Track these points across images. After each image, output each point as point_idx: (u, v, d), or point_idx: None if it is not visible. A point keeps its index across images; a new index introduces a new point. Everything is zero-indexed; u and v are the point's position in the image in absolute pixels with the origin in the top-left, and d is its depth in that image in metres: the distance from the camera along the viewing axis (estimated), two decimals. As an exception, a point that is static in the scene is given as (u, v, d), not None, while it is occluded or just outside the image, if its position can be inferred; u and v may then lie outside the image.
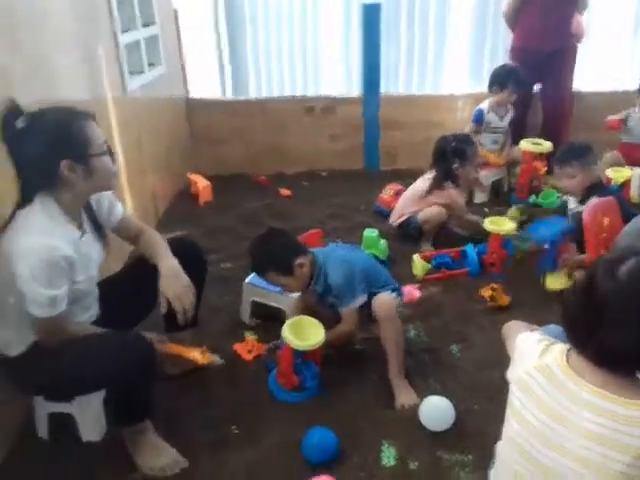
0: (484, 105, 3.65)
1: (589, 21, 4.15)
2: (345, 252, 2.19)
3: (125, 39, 2.90)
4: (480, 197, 3.60)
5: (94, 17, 2.60)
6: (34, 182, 1.51)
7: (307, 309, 2.17)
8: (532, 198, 3.45)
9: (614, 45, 4.32)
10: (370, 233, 2.89)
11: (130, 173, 2.91)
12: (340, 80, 4.34)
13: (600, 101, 3.99)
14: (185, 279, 1.73)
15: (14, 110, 1.48)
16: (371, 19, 3.83)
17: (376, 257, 2.79)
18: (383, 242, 2.92)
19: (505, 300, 2.53)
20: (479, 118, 3.63)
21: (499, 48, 4.16)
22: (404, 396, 1.95)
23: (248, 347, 2.24)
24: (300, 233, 2.96)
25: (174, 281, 1.71)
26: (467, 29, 4.23)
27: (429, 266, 2.78)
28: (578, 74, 4.19)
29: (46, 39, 2.11)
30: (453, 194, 3.01)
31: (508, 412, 1.34)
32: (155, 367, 1.64)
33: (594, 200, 2.50)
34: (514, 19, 3.77)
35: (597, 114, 3.77)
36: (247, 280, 2.42)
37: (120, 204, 1.82)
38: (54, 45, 2.17)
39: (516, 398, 1.30)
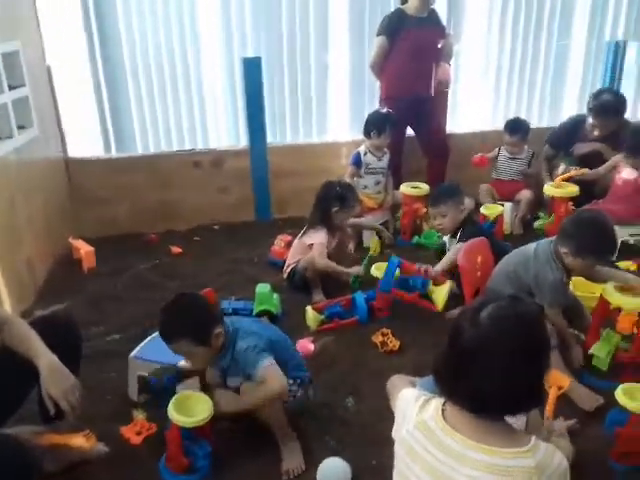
0: (361, 148, 3.80)
1: (458, 67, 4.51)
2: (256, 324, 2.11)
3: (-12, 104, 2.76)
4: (368, 241, 3.71)
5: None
6: None
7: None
8: (415, 239, 3.62)
9: (483, 89, 4.69)
10: (262, 288, 2.88)
11: (2, 245, 2.72)
12: (227, 133, 4.36)
13: (472, 140, 4.30)
14: (69, 377, 1.64)
15: None
16: (252, 72, 3.90)
17: (269, 312, 2.81)
18: (276, 296, 2.92)
19: (396, 345, 2.60)
20: (357, 160, 3.76)
21: (376, 96, 4.36)
22: (288, 461, 1.93)
23: (137, 429, 2.10)
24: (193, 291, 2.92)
25: (58, 380, 1.60)
26: (347, 78, 4.42)
27: (321, 317, 2.80)
28: (452, 117, 4.56)
29: None
30: (320, 236, 3.05)
31: (394, 473, 1.35)
32: (36, 473, 1.51)
33: (465, 244, 2.65)
34: (379, 70, 3.98)
35: (470, 153, 4.07)
36: (132, 354, 2.30)
37: None
38: None
39: (400, 459, 1.32)
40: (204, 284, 3.00)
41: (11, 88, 3.03)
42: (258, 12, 4.08)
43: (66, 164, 3.85)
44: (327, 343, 2.66)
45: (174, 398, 1.90)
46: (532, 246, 2.42)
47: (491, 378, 1.16)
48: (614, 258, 3.27)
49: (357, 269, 3.10)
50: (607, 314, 2.33)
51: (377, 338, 2.65)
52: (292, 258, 3.17)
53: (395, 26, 3.80)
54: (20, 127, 3.14)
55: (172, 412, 1.83)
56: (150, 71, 4.07)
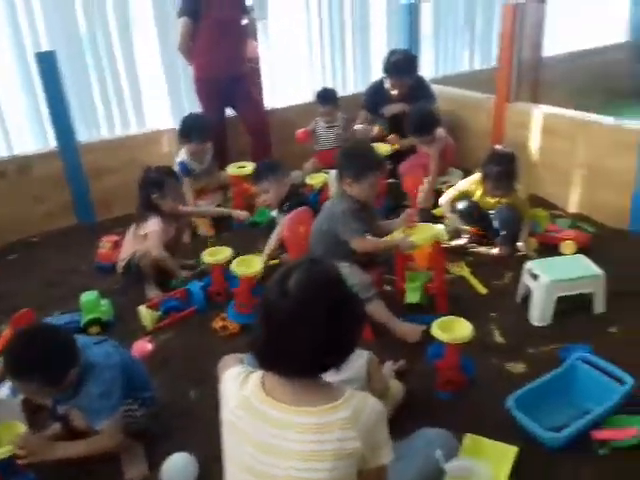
0: (182, 156, 3.70)
1: (270, 43, 4.53)
2: (107, 356, 1.86)
3: None
4: (203, 230, 3.64)
5: None
6: None
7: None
8: (250, 218, 3.63)
9: (298, 63, 4.76)
10: (88, 296, 2.70)
11: None
12: (33, 136, 3.98)
13: (291, 115, 4.37)
14: None
15: None
16: (48, 68, 3.58)
17: (99, 319, 2.65)
18: (105, 302, 2.76)
19: (236, 327, 2.60)
20: (186, 169, 3.66)
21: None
22: (129, 471, 1.88)
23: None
24: (7, 316, 2.66)
25: None
26: (158, 62, 4.24)
27: (158, 314, 2.72)
28: (271, 91, 4.59)
29: None
30: (150, 225, 2.92)
31: (225, 456, 1.34)
32: None
33: (288, 216, 2.71)
34: (188, 52, 3.88)
35: (293, 127, 4.13)
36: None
37: None
38: None
39: (227, 440, 1.31)
40: (24, 305, 2.76)
41: None
42: (47, 6, 3.73)
43: None
44: (165, 340, 2.58)
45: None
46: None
47: (303, 340, 1.20)
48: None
49: (186, 273, 3.04)
50: (406, 257, 2.59)
51: (217, 323, 2.63)
52: (125, 252, 3.01)
53: (194, 6, 3.70)
54: None
55: None
56: None
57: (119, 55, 4.07)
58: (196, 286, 2.81)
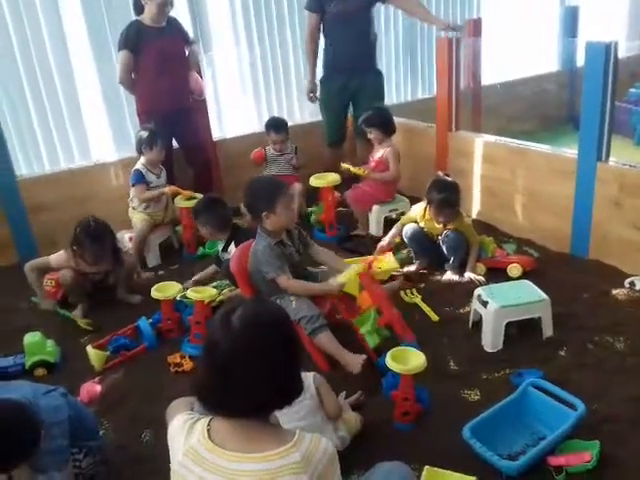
0: (139, 166, 3.63)
1: (216, 75, 4.53)
2: (51, 404, 1.76)
3: None
4: (152, 261, 3.58)
5: None
6: None
7: None
8: (200, 250, 3.59)
9: (243, 93, 4.78)
10: (31, 337, 2.59)
11: None
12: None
13: (240, 145, 4.36)
14: None
15: None
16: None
17: (45, 361, 2.54)
18: (50, 342, 2.65)
19: (190, 365, 2.53)
20: (141, 178, 3.60)
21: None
22: None
23: None
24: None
25: None
26: (99, 94, 4.16)
27: (106, 353, 2.62)
28: (219, 123, 4.58)
29: None
30: (56, 256, 3.08)
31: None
32: None
33: (236, 250, 2.69)
34: (130, 85, 3.84)
35: (241, 156, 4.13)
36: None
37: None
38: None
39: (175, 494, 1.27)
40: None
41: None
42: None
43: None
44: (112, 381, 2.49)
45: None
46: None
47: (255, 378, 1.19)
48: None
49: (46, 306, 3.10)
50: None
51: (174, 359, 2.57)
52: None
53: (134, 39, 3.66)
54: None
55: None
56: None
57: (59, 86, 3.98)
58: (145, 323, 2.74)
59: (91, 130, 4.21)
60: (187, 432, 1.26)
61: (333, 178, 3.69)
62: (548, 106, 6.09)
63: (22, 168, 3.90)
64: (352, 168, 3.65)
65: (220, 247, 3.12)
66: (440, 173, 3.30)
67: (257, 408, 1.23)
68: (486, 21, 4.61)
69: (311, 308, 2.40)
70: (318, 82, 4.22)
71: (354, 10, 3.90)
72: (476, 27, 4.45)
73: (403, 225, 3.29)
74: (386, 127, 3.69)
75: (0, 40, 3.69)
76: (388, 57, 5.40)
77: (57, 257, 3.06)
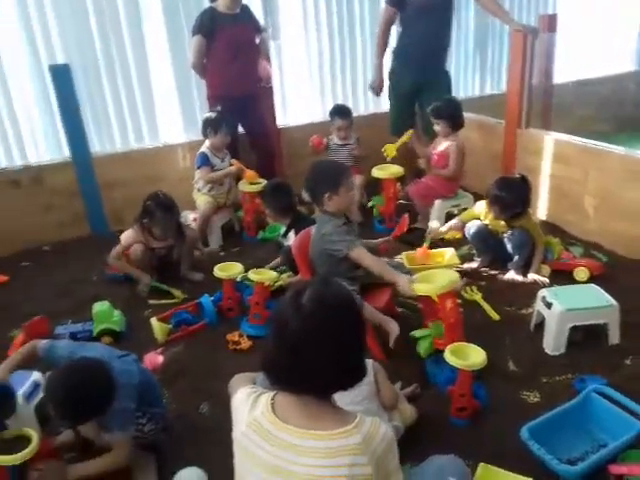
0: (204, 149, 3.72)
1: (282, 63, 4.58)
2: (124, 368, 1.87)
3: None
4: (214, 242, 3.67)
5: None
6: None
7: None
8: (260, 234, 3.64)
9: (309, 82, 4.81)
10: (100, 306, 2.72)
11: None
12: (47, 146, 4.01)
13: (302, 134, 4.38)
14: None
15: None
16: (61, 80, 3.63)
17: (111, 330, 2.66)
18: (117, 312, 2.77)
19: (247, 344, 2.60)
20: (206, 160, 3.68)
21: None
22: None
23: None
24: (23, 322, 2.69)
25: None
26: (171, 78, 4.28)
27: (169, 327, 2.72)
28: (283, 111, 4.63)
29: None
30: (125, 235, 3.17)
31: (235, 475, 1.35)
32: None
33: (296, 237, 2.70)
34: (202, 69, 3.93)
35: (304, 145, 4.16)
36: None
37: None
38: None
39: (238, 460, 1.32)
40: (36, 312, 2.80)
41: None
42: (62, 18, 3.78)
43: None
44: (173, 353, 2.58)
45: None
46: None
47: (324, 359, 1.21)
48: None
49: (147, 280, 3.12)
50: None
51: (232, 337, 2.64)
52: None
53: (208, 25, 3.75)
54: None
55: None
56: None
57: (133, 68, 4.12)
58: (207, 300, 2.82)
59: (161, 112, 4.34)
60: (251, 405, 1.30)
61: (396, 170, 3.67)
62: (625, 107, 5.83)
63: (96, 146, 4.07)
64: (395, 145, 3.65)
65: (282, 232, 3.16)
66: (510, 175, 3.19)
67: (322, 387, 1.25)
68: (562, 17, 4.46)
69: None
70: (387, 74, 4.20)
71: (438, 3, 3.84)
72: (551, 23, 4.30)
73: (463, 221, 3.24)
74: (454, 120, 3.62)
75: (81, 25, 3.84)
76: (458, 51, 5.30)
77: (126, 236, 3.17)
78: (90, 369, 1.71)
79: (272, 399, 1.29)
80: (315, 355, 1.21)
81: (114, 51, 4.01)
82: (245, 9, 3.91)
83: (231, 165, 3.77)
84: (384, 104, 4.64)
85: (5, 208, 3.64)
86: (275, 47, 4.45)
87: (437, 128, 3.66)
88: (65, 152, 3.93)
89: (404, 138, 3.74)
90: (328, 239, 2.42)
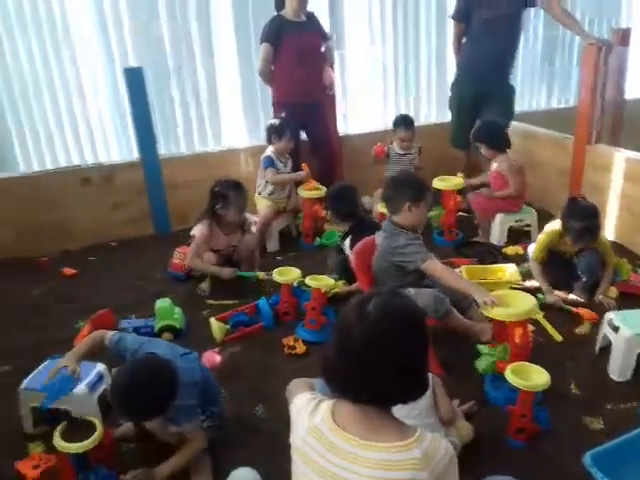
0: (268, 152, 3.79)
1: (345, 71, 4.61)
2: (187, 366, 1.91)
3: None
4: (272, 246, 3.72)
5: None
6: None
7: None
8: (317, 240, 3.67)
9: (372, 91, 4.83)
10: (162, 303, 2.80)
11: None
12: (118, 146, 4.19)
13: (364, 142, 4.40)
14: None
15: None
16: (134, 83, 3.78)
17: (172, 327, 2.74)
18: (178, 310, 2.85)
19: (303, 349, 2.62)
20: (272, 162, 3.75)
21: (270, 100, 4.37)
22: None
23: (33, 462, 1.98)
24: (89, 314, 2.80)
25: None
26: (237, 83, 4.39)
27: (227, 327, 2.77)
28: (344, 119, 4.66)
29: None
30: (198, 229, 3.16)
31: (292, 478, 1.35)
32: None
33: (357, 245, 2.69)
34: (268, 76, 4.01)
35: (364, 153, 4.17)
36: (22, 385, 2.16)
37: None
38: None
39: (296, 466, 1.32)
40: (101, 305, 2.92)
41: None
42: (136, 22, 3.96)
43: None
44: (233, 354, 2.63)
45: (61, 425, 1.81)
46: (379, 235, 2.55)
47: (386, 369, 1.20)
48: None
49: (228, 274, 3.11)
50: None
51: (288, 341, 2.67)
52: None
53: (276, 33, 3.83)
54: None
55: (56, 439, 1.76)
56: (27, 88, 3.84)
57: (201, 73, 4.25)
58: (265, 303, 2.86)
59: (225, 117, 4.45)
60: (311, 411, 1.30)
61: (457, 181, 3.63)
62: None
63: (162, 147, 4.19)
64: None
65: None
66: (576, 196, 3.02)
67: (383, 397, 1.25)
68: (636, 31, 4.31)
69: (433, 292, 2.38)
70: (450, 84, 4.17)
71: (504, 16, 3.80)
72: (624, 37, 4.16)
73: (540, 259, 2.99)
74: (494, 143, 3.57)
75: (152, 28, 3.99)
76: (525, 63, 5.20)
77: (199, 231, 3.15)
78: (156, 369, 1.74)
79: (332, 407, 1.29)
80: (378, 364, 1.20)
81: (184, 56, 4.15)
82: (311, 17, 3.98)
83: (300, 170, 3.82)
84: (445, 115, 4.61)
85: (76, 204, 3.82)
86: (339, 55, 4.49)
87: (482, 151, 3.62)
88: (134, 153, 4.10)
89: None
90: (400, 251, 2.41)
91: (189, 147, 4.35)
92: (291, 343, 2.67)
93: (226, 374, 2.48)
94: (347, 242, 3.04)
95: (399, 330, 1.22)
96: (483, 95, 3.99)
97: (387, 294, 1.30)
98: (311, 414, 1.29)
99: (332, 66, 4.16)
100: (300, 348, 2.63)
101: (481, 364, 2.27)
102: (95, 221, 3.87)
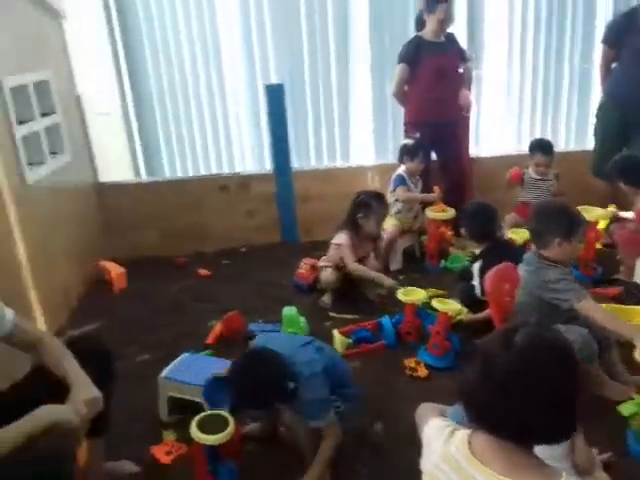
0: (400, 171, 3.82)
1: (480, 92, 4.54)
2: (306, 358, 1.95)
3: (22, 130, 2.84)
4: (395, 265, 3.72)
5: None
6: None
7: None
8: (442, 263, 3.62)
9: (507, 113, 4.70)
10: (289, 311, 2.91)
11: (37, 268, 2.79)
12: (252, 157, 4.45)
13: (495, 165, 4.29)
14: (95, 391, 1.65)
15: None
16: (275, 99, 3.98)
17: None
18: (302, 319, 2.94)
19: (424, 372, 2.59)
20: (404, 181, 3.78)
21: (400, 121, 4.40)
22: None
23: (167, 448, 2.14)
24: (219, 314, 2.97)
25: (84, 392, 1.62)
26: (369, 102, 4.47)
27: (349, 341, 2.80)
28: (476, 140, 4.57)
29: None
30: (342, 238, 3.22)
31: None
32: None
33: (492, 270, 2.60)
34: (402, 96, 4.03)
35: (495, 177, 4.06)
36: (162, 374, 2.33)
37: (10, 312, 1.67)
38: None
39: (428, 493, 1.30)
40: (232, 307, 3.07)
41: (43, 115, 3.13)
42: (279, 40, 4.20)
43: (97, 189, 3.96)
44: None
45: (198, 416, 1.91)
46: (523, 268, 2.43)
47: (533, 403, 1.15)
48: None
49: (390, 282, 3.13)
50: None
51: (409, 362, 2.65)
52: (322, 261, 3.38)
53: (414, 54, 3.86)
54: (52, 153, 3.24)
55: (194, 430, 1.84)
56: (177, 99, 4.22)
57: (335, 92, 4.38)
58: (388, 321, 2.86)
59: (355, 135, 4.56)
60: (446, 438, 1.27)
61: (602, 213, 3.40)
62: None
63: (294, 160, 4.37)
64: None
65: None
66: None
67: (527, 433, 1.19)
68: None
69: (581, 335, 2.22)
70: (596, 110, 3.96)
71: None
72: None
73: None
74: (631, 179, 3.24)
75: (295, 47, 4.21)
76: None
77: (344, 240, 3.22)
78: (257, 359, 1.87)
79: (468, 437, 1.26)
80: (524, 397, 1.15)
81: (320, 74, 4.32)
82: (450, 37, 3.97)
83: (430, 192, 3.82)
84: (587, 143, 4.37)
85: (214, 209, 4.09)
86: (475, 76, 4.43)
87: (621, 186, 3.32)
88: (266, 164, 4.32)
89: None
90: (552, 287, 2.27)
91: (318, 161, 4.50)
92: (412, 365, 2.64)
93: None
94: (477, 266, 2.95)
95: (548, 363, 1.16)
96: (631, 124, 3.75)
97: (535, 326, 1.25)
98: (446, 441, 1.27)
99: (469, 88, 4.10)
100: (422, 371, 2.59)
101: (626, 409, 2.10)
102: (228, 226, 4.12)
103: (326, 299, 3.28)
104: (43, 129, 3.10)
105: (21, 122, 2.86)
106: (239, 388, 1.85)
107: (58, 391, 1.59)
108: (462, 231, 3.18)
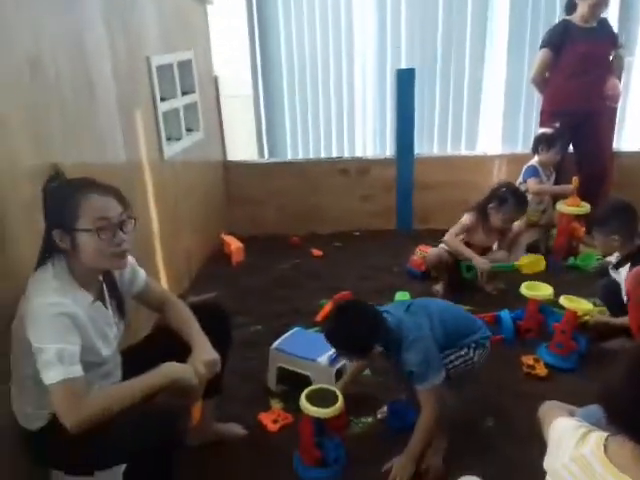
0: (534, 162, 3.60)
1: (629, 81, 4.14)
2: (412, 322, 1.95)
3: (164, 107, 3.01)
4: (517, 258, 3.50)
5: (135, 85, 2.66)
6: (45, 246, 1.50)
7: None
8: (571, 260, 3.35)
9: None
10: (402, 296, 2.85)
11: (165, 235, 2.96)
12: (373, 142, 4.41)
13: (638, 161, 3.89)
14: (215, 354, 1.69)
15: (54, 176, 1.51)
16: (405, 84, 3.90)
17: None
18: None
19: (544, 371, 2.41)
20: (537, 173, 3.56)
21: (533, 110, 4.15)
22: (430, 459, 1.90)
23: (274, 417, 2.18)
24: (330, 294, 2.98)
25: (205, 353, 1.67)
26: (501, 92, 4.26)
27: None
28: (618, 133, 4.18)
29: (89, 105, 2.16)
30: (466, 217, 3.11)
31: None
32: (181, 440, 1.60)
33: (635, 269, 2.34)
34: (542, 84, 3.78)
35: (636, 174, 3.69)
36: (274, 345, 2.38)
37: (143, 272, 1.78)
38: (96, 112, 2.23)
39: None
40: (341, 287, 3.07)
41: (183, 94, 3.30)
42: (413, 25, 4.10)
43: (225, 166, 4.13)
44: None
45: (307, 389, 1.92)
46: None
47: None
48: None
49: (484, 262, 3.01)
50: None
51: (527, 360, 2.49)
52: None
53: (560, 38, 3.58)
54: (188, 130, 3.42)
55: (304, 402, 1.85)
56: (305, 83, 4.27)
57: (467, 79, 4.21)
58: (507, 315, 2.71)
59: (483, 122, 4.35)
60: (578, 439, 1.18)
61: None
62: None
63: (416, 146, 4.27)
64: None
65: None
66: None
67: None
68: None
69: None
70: None
71: None
72: None
73: None
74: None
75: (428, 32, 4.10)
76: None
77: (466, 219, 3.14)
78: (355, 309, 1.92)
79: (605, 441, 1.14)
80: None
81: (452, 59, 4.17)
82: (604, 23, 3.64)
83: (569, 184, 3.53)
84: None
85: (332, 192, 4.12)
86: (626, 63, 4.04)
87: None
88: (386, 150, 4.26)
89: None
90: None
91: (441, 149, 4.36)
92: (531, 362, 2.47)
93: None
94: (623, 271, 2.51)
95: None
96: None
97: None
98: (578, 442, 1.18)
99: (620, 77, 3.74)
100: (541, 369, 2.42)
101: None
102: (344, 210, 4.13)
103: (438, 287, 3.18)
104: (182, 107, 3.26)
105: (162, 99, 3.04)
106: (335, 331, 1.88)
107: (178, 350, 1.66)
108: (596, 230, 2.80)
